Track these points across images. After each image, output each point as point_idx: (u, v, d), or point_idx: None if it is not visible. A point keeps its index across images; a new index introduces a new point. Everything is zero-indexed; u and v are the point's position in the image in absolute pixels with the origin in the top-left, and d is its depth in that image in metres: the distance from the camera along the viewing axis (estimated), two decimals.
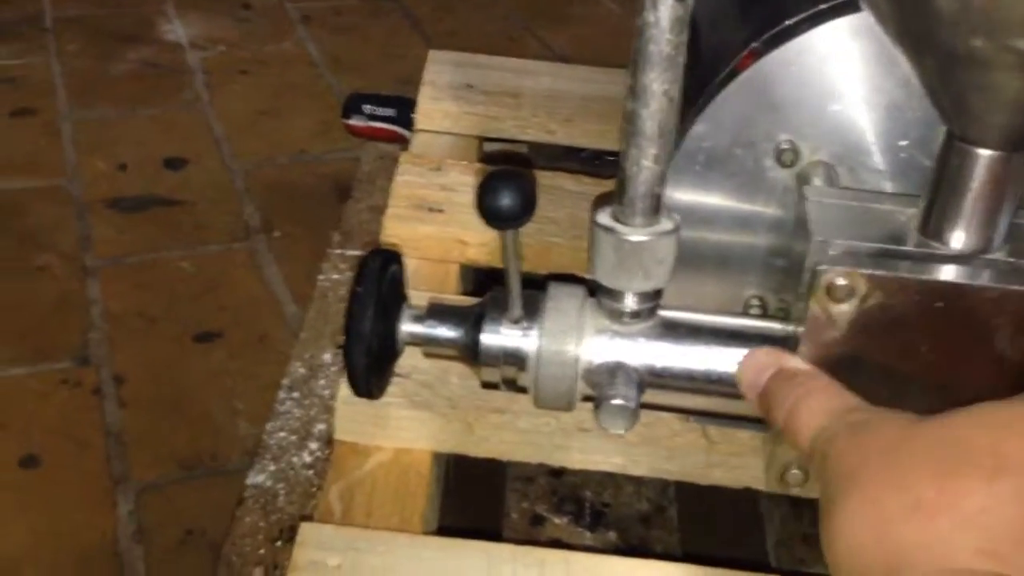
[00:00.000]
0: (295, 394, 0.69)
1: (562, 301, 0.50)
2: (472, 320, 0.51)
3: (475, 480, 0.65)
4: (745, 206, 0.55)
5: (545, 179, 0.83)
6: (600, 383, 0.48)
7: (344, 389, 0.59)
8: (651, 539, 0.64)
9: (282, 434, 0.66)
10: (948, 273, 0.44)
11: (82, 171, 1.48)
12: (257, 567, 0.57)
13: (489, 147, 0.94)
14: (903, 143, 0.52)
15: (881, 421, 0.38)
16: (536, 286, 0.51)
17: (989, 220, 0.44)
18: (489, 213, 0.44)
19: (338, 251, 0.83)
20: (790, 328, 0.48)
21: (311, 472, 0.63)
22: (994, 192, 0.43)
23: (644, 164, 0.44)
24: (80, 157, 1.51)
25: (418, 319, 0.52)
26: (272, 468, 0.63)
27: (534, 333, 0.49)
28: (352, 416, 0.61)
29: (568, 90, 0.97)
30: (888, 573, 0.33)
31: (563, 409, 0.51)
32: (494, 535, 0.63)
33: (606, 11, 2.02)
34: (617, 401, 0.47)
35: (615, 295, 0.48)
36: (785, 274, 0.54)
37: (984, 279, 0.44)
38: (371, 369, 0.50)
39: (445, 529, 0.60)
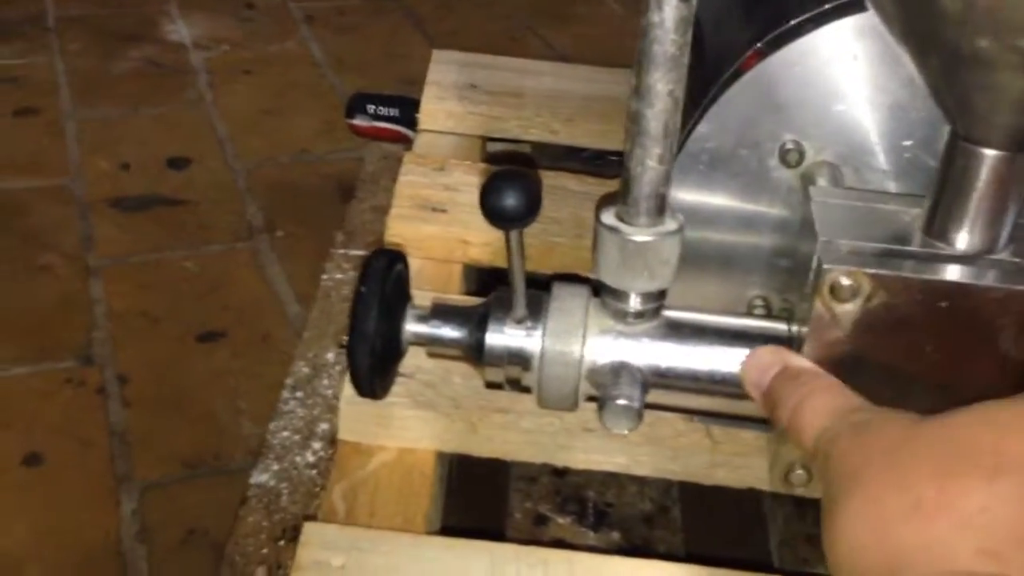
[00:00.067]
0: (299, 393, 0.69)
1: (566, 301, 0.50)
2: (476, 320, 0.51)
3: (478, 480, 0.65)
4: (749, 206, 0.55)
5: (548, 179, 0.83)
6: (604, 383, 0.48)
7: (348, 389, 0.59)
8: (654, 539, 0.64)
9: (285, 433, 0.66)
10: (952, 273, 0.44)
11: (85, 171, 1.48)
12: (260, 566, 0.58)
13: (492, 147, 0.94)
14: (907, 143, 0.52)
15: (883, 421, 0.37)
16: (539, 286, 0.51)
17: (994, 220, 0.44)
18: (493, 213, 0.44)
19: (341, 251, 0.83)
20: (794, 328, 0.48)
21: (314, 472, 0.63)
22: (999, 192, 0.43)
23: (649, 164, 0.44)
24: (83, 157, 1.51)
25: (422, 319, 0.52)
26: (275, 468, 0.63)
27: (538, 333, 0.49)
28: (356, 416, 0.61)
29: (571, 90, 0.97)
30: (889, 575, 0.33)
31: (567, 409, 0.51)
32: (497, 535, 0.63)
33: (608, 11, 2.02)
34: (621, 401, 0.47)
35: (619, 295, 0.48)
36: (789, 274, 0.54)
37: (988, 279, 0.44)
38: (375, 369, 0.50)
39: (448, 529, 0.60)
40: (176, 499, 1.01)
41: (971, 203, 0.44)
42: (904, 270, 0.44)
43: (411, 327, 0.52)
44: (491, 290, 0.52)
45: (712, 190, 0.55)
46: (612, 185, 0.65)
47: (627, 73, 0.44)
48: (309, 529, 0.55)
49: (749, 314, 0.57)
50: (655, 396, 0.49)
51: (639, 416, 0.47)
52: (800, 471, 0.49)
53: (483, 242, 0.76)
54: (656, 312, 0.49)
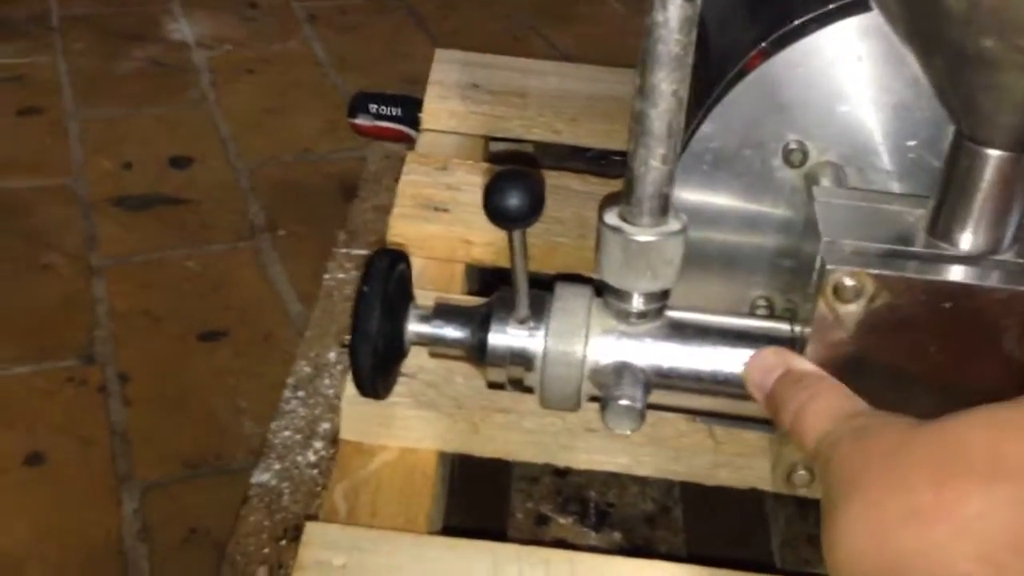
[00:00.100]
0: (300, 393, 0.69)
1: (569, 301, 0.50)
2: (479, 320, 0.50)
3: (480, 480, 0.65)
4: (753, 206, 0.55)
5: (551, 179, 0.83)
6: (607, 383, 0.48)
7: (350, 388, 0.59)
8: (656, 539, 0.64)
9: (287, 433, 0.66)
10: (956, 274, 0.44)
11: (88, 170, 1.48)
12: (261, 566, 0.57)
13: (495, 147, 0.94)
14: (912, 143, 0.52)
15: (883, 425, 0.37)
16: (542, 286, 0.51)
17: (998, 221, 0.44)
18: (497, 213, 0.44)
19: (343, 250, 0.83)
20: (797, 329, 0.48)
21: (316, 471, 0.63)
22: (1003, 193, 0.43)
23: (652, 164, 0.44)
24: (86, 156, 1.51)
25: (425, 319, 0.52)
26: (277, 467, 0.63)
27: (540, 333, 0.49)
28: (357, 415, 0.61)
29: (574, 90, 0.97)
30: None
31: (569, 409, 0.51)
32: (499, 535, 0.63)
33: (611, 10, 2.02)
34: (624, 402, 0.47)
35: (622, 295, 0.48)
36: (792, 274, 0.54)
37: (993, 280, 0.44)
38: (377, 369, 0.50)
39: (450, 529, 0.60)
40: (177, 498, 1.01)
41: (975, 204, 0.44)
42: (908, 271, 0.44)
43: (414, 327, 0.52)
44: (493, 290, 0.52)
45: (716, 190, 0.55)
46: (615, 185, 0.65)
47: (630, 73, 0.43)
48: (311, 529, 0.55)
49: (752, 315, 0.57)
50: (658, 397, 0.49)
51: (642, 417, 0.47)
52: (803, 472, 0.49)
53: (485, 242, 0.76)
54: (659, 312, 0.49)
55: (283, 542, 0.58)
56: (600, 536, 0.64)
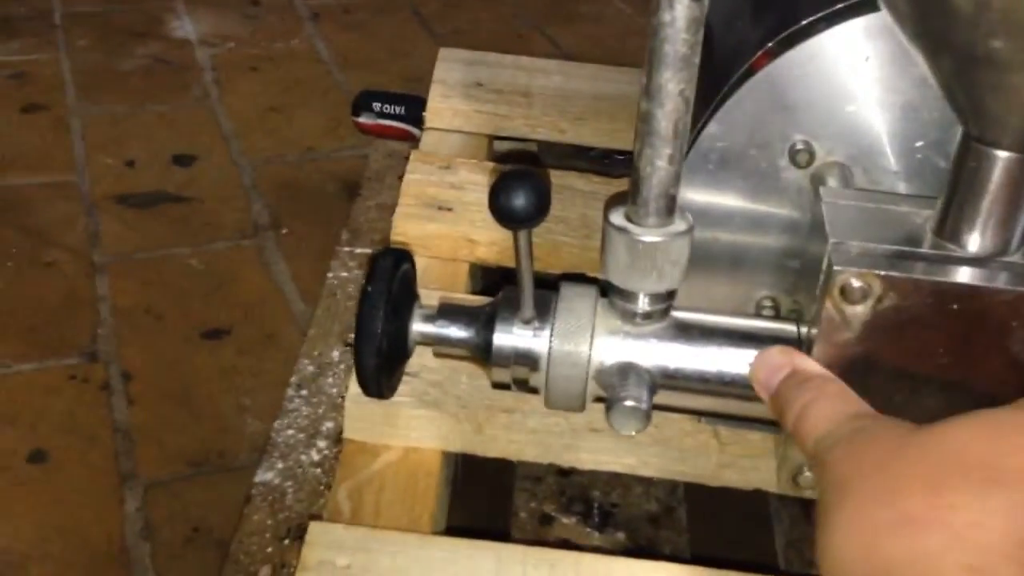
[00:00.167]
0: (303, 392, 0.68)
1: (574, 301, 0.49)
2: (484, 320, 0.50)
3: (484, 479, 0.65)
4: (759, 207, 0.54)
5: (555, 178, 0.83)
6: (612, 384, 0.48)
7: (353, 387, 0.59)
8: (660, 540, 0.64)
9: (290, 432, 0.65)
10: (963, 275, 0.44)
11: (91, 167, 1.48)
12: (264, 565, 0.57)
13: (499, 146, 0.93)
14: (919, 144, 0.52)
15: (878, 429, 0.37)
16: (546, 286, 0.51)
17: (1006, 222, 0.44)
18: (502, 213, 0.44)
19: (347, 249, 0.83)
20: (803, 329, 0.48)
21: (319, 470, 0.63)
22: (1011, 194, 0.43)
23: (658, 164, 0.44)
24: (89, 153, 1.51)
25: (429, 319, 0.52)
26: (280, 466, 0.63)
27: (545, 333, 0.49)
28: (361, 415, 0.61)
29: (578, 89, 0.97)
30: None
31: (574, 410, 0.51)
32: (502, 535, 0.63)
33: (615, 10, 2.02)
34: (629, 402, 0.47)
35: (627, 296, 0.48)
36: (798, 275, 0.54)
37: (1000, 281, 0.43)
38: (381, 369, 0.50)
39: (453, 529, 0.60)
40: (180, 496, 1.00)
41: (983, 205, 0.43)
42: (915, 272, 0.44)
43: (418, 327, 0.52)
44: (497, 289, 0.51)
45: (722, 190, 0.54)
46: (620, 185, 0.64)
47: (634, 72, 0.43)
48: (315, 529, 0.55)
49: (758, 315, 0.56)
50: (663, 397, 0.49)
51: (647, 417, 0.47)
52: (808, 473, 0.49)
53: (489, 241, 0.76)
54: (664, 313, 0.49)
55: (286, 541, 0.58)
56: (603, 536, 0.64)
